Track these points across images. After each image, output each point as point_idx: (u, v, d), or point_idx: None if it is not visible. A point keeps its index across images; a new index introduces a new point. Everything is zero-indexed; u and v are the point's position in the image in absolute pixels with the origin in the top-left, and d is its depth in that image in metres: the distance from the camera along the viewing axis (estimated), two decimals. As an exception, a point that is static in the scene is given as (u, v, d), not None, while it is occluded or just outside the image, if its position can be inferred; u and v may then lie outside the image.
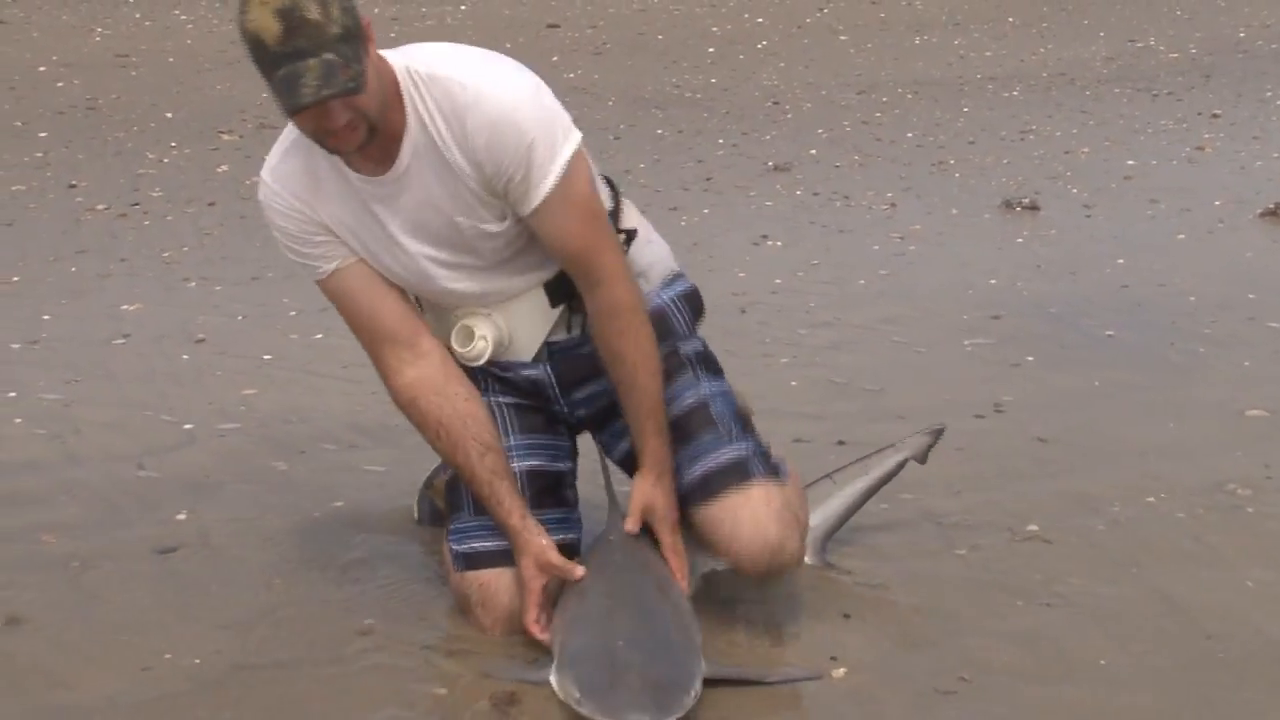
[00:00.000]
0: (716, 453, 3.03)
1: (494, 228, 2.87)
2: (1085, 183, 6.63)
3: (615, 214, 3.05)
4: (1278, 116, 7.92)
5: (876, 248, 5.69)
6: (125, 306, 4.88)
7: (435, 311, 3.04)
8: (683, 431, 3.06)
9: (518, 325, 3.00)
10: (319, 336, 4.63)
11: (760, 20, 10.37)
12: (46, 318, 4.75)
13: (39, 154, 6.72)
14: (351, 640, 2.99)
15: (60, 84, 8.05)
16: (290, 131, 2.87)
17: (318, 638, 3.00)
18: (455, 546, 3.05)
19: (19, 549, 3.31)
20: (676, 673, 2.72)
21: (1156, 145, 7.32)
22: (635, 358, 2.93)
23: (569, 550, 3.05)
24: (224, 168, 6.61)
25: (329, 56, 2.56)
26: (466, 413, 2.94)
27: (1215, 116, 7.87)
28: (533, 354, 3.04)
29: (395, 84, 2.76)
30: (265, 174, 2.92)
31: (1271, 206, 6.18)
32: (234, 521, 3.47)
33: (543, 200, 2.78)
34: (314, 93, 2.57)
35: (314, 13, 2.56)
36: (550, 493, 3.11)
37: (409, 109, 2.79)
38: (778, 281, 5.31)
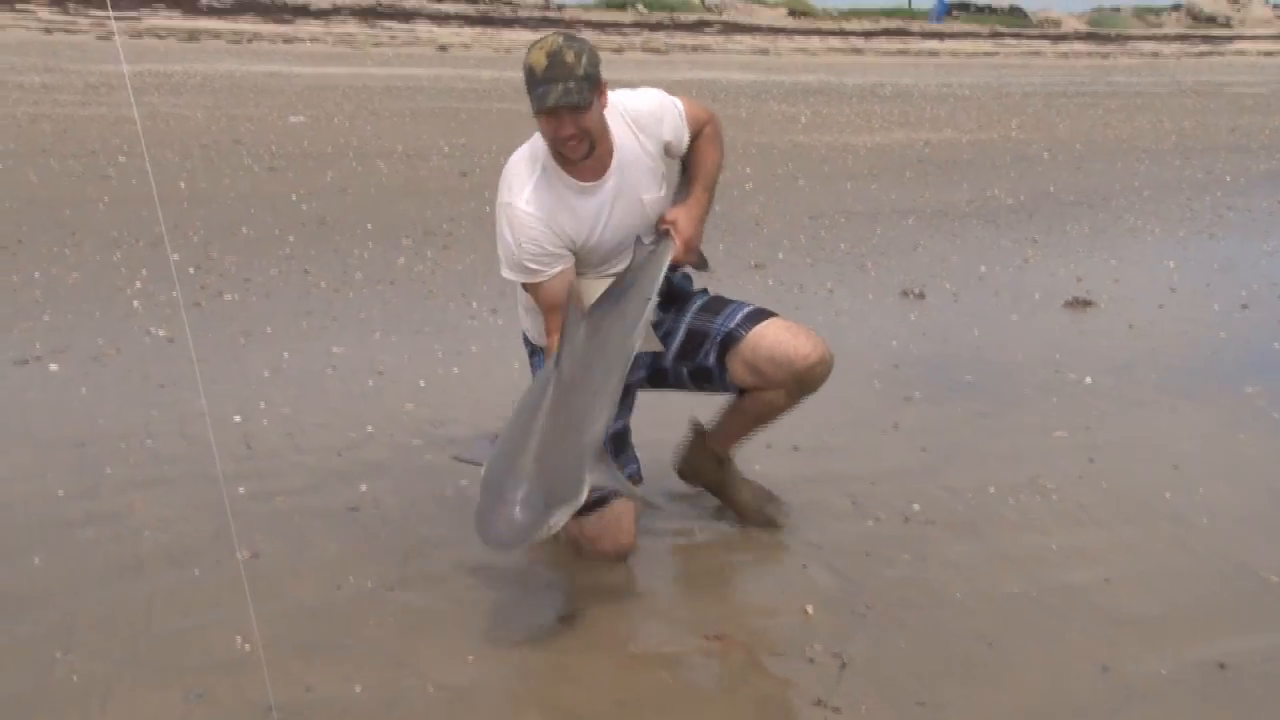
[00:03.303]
0: (745, 307, 3.07)
1: (660, 193, 2.98)
2: (953, 280, 6.55)
3: None
4: (1074, 243, 7.85)
5: (820, 319, 5.62)
6: (335, 349, 4.87)
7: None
8: (717, 303, 3.11)
9: None
10: (456, 370, 4.63)
11: (748, 170, 10.37)
12: (285, 355, 4.76)
13: (286, 251, 6.76)
14: (466, 574, 2.96)
15: (304, 207, 8.12)
16: (529, 175, 2.81)
17: (445, 568, 2.98)
18: None
19: (260, 506, 3.31)
20: (536, 505, 2.44)
21: (998, 258, 7.25)
22: (708, 151, 3.07)
23: (634, 479, 3.05)
24: (401, 260, 6.63)
25: (570, 85, 2.63)
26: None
27: (1035, 241, 7.82)
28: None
29: (605, 119, 2.81)
30: (520, 205, 2.79)
31: (1070, 299, 6.12)
32: (396, 493, 3.46)
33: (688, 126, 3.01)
34: (555, 100, 2.63)
35: (569, 58, 2.65)
36: (624, 445, 3.08)
37: (614, 131, 2.85)
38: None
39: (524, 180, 2.81)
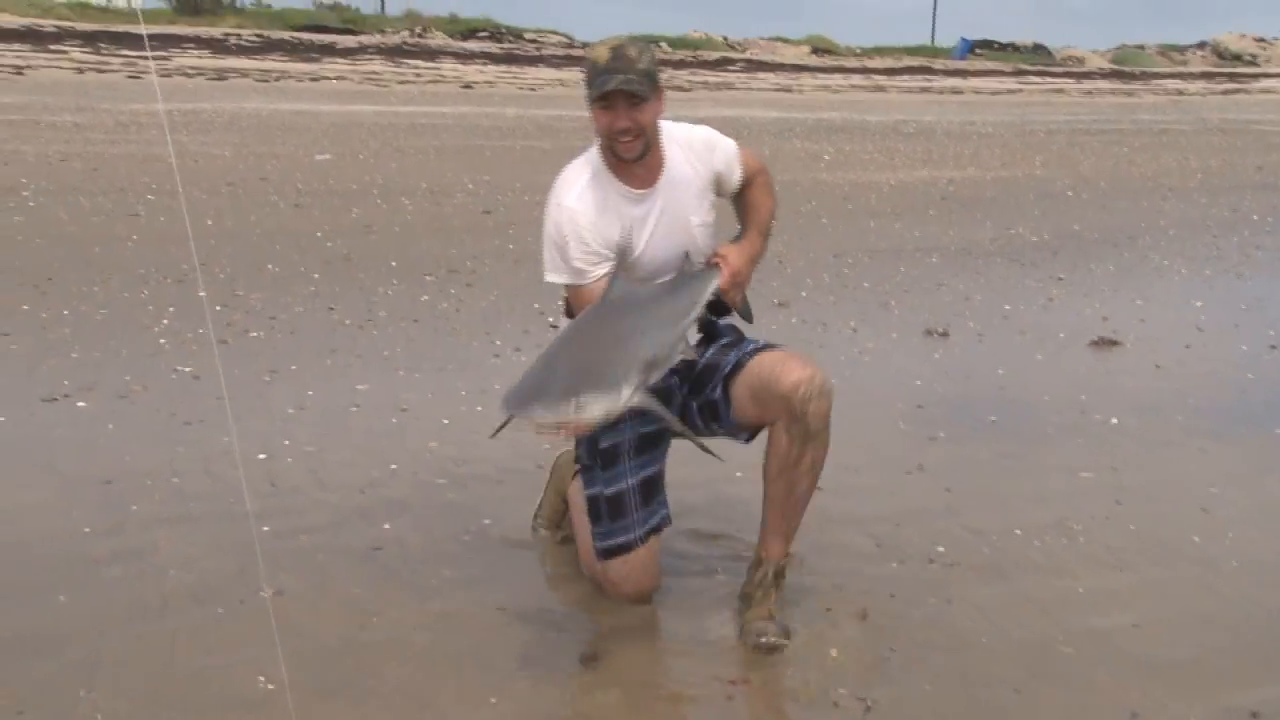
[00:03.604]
0: (757, 343, 3.00)
1: (708, 218, 2.98)
2: (978, 319, 6.54)
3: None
4: (1099, 282, 7.81)
5: (843, 358, 5.63)
6: (359, 386, 4.91)
7: None
8: (734, 341, 3.04)
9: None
10: (479, 409, 4.64)
11: (771, 208, 10.37)
12: (310, 393, 4.79)
13: (312, 288, 6.82)
14: (490, 614, 2.97)
15: (329, 244, 8.19)
16: (579, 177, 2.84)
17: (469, 608, 2.98)
18: (599, 544, 2.96)
19: (284, 544, 3.33)
20: (560, 385, 2.32)
21: (1023, 296, 7.22)
22: (762, 198, 3.08)
23: (664, 524, 3.00)
24: (425, 298, 6.68)
25: (631, 76, 2.69)
26: None
27: (1060, 279, 7.79)
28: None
29: (659, 137, 2.86)
30: (569, 202, 2.80)
31: (1096, 339, 6.09)
32: (419, 532, 3.47)
33: (740, 166, 3.03)
34: (615, 85, 2.67)
35: (632, 53, 2.73)
36: (654, 492, 2.99)
37: (666, 151, 2.89)
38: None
39: (574, 181, 2.84)
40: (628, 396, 2.42)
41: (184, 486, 3.73)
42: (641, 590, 2.97)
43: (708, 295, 2.91)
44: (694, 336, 2.95)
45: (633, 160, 2.80)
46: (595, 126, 2.79)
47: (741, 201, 3.09)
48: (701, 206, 2.96)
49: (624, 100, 2.72)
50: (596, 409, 2.33)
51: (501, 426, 2.58)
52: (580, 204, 2.80)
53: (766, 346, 2.96)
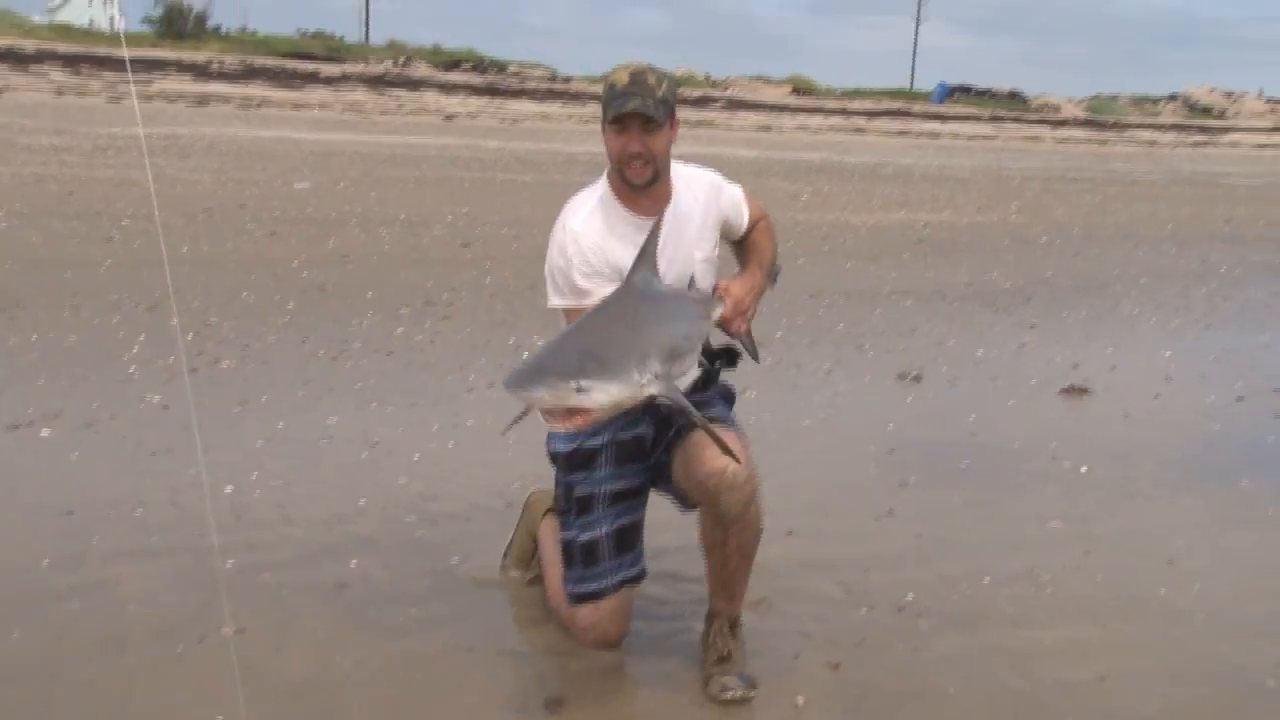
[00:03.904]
0: (715, 410, 2.89)
1: (711, 254, 2.97)
2: (951, 364, 6.58)
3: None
4: (1071, 329, 7.90)
5: (817, 400, 5.65)
6: (330, 419, 4.87)
7: None
8: (705, 407, 2.83)
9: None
10: (451, 445, 4.62)
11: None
12: (280, 425, 4.76)
13: (286, 318, 6.79)
14: (456, 655, 2.93)
15: (305, 273, 8.17)
16: (586, 202, 2.84)
17: (435, 648, 2.95)
18: (570, 589, 2.94)
19: (248, 579, 3.28)
20: (563, 366, 2.22)
21: (996, 342, 7.28)
22: (764, 241, 3.06)
23: (639, 579, 2.95)
24: (400, 330, 6.65)
25: (648, 101, 2.69)
26: None
27: (1032, 326, 7.87)
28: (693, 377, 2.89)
29: (669, 169, 2.86)
30: (574, 225, 2.79)
31: (1067, 386, 6.13)
32: (386, 569, 3.43)
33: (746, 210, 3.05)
34: (632, 107, 2.67)
35: (651, 80, 2.73)
36: (629, 543, 2.94)
37: (674, 185, 2.88)
38: (751, 420, 5.23)
39: (580, 207, 2.85)
40: (643, 384, 2.30)
41: (148, 518, 3.68)
42: (609, 638, 2.95)
43: (714, 318, 2.85)
44: (694, 374, 2.91)
45: (641, 186, 2.79)
46: (607, 149, 2.79)
47: (743, 245, 3.10)
48: (705, 242, 2.96)
49: (638, 124, 2.71)
50: (601, 394, 2.22)
51: (515, 421, 2.49)
52: (585, 226, 2.80)
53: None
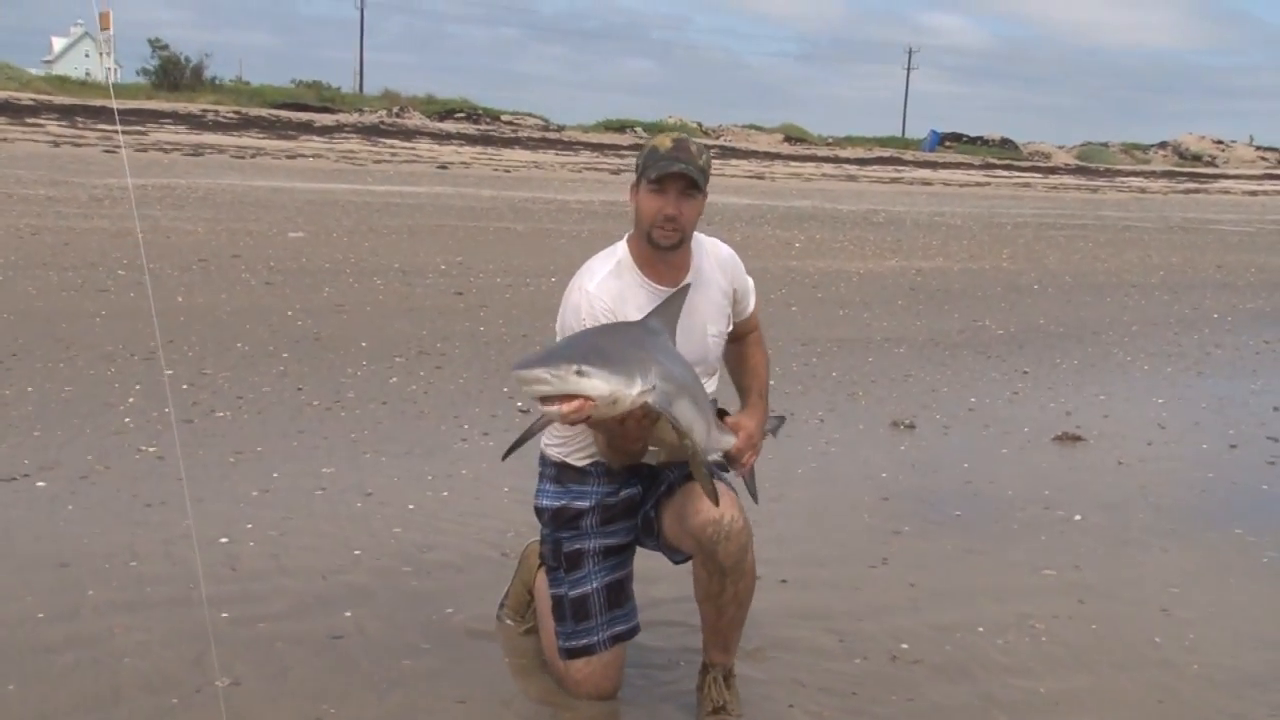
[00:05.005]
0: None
1: (725, 330, 3.00)
2: (944, 412, 6.63)
3: None
4: (1063, 377, 7.96)
5: (810, 448, 5.69)
6: (325, 469, 4.90)
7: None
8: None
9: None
10: (445, 494, 4.65)
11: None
12: (275, 475, 4.78)
13: (281, 368, 6.82)
14: (451, 706, 2.94)
15: (299, 323, 8.21)
16: (604, 267, 2.88)
17: (429, 700, 2.95)
18: (562, 644, 2.97)
19: (242, 631, 3.29)
20: (567, 353, 2.39)
21: (988, 389, 7.34)
22: (759, 357, 3.16)
23: (631, 632, 2.99)
24: (394, 379, 6.69)
25: (692, 167, 2.77)
26: None
27: (1025, 373, 7.93)
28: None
29: (691, 238, 2.91)
30: (590, 288, 2.83)
31: (1060, 434, 6.17)
32: (380, 620, 3.44)
33: (752, 299, 3.11)
34: (677, 169, 2.74)
35: (694, 149, 2.81)
36: (620, 599, 2.98)
37: (695, 255, 2.93)
38: (745, 469, 5.30)
39: (597, 271, 2.88)
40: (641, 388, 2.41)
41: (142, 570, 3.69)
42: (602, 692, 2.97)
43: (724, 446, 2.93)
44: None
45: (667, 249, 2.82)
46: (638, 210, 2.82)
47: (739, 358, 3.12)
48: (719, 317, 2.98)
49: (680, 186, 2.76)
50: (600, 382, 2.33)
51: (515, 446, 2.68)
52: (600, 290, 2.83)
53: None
